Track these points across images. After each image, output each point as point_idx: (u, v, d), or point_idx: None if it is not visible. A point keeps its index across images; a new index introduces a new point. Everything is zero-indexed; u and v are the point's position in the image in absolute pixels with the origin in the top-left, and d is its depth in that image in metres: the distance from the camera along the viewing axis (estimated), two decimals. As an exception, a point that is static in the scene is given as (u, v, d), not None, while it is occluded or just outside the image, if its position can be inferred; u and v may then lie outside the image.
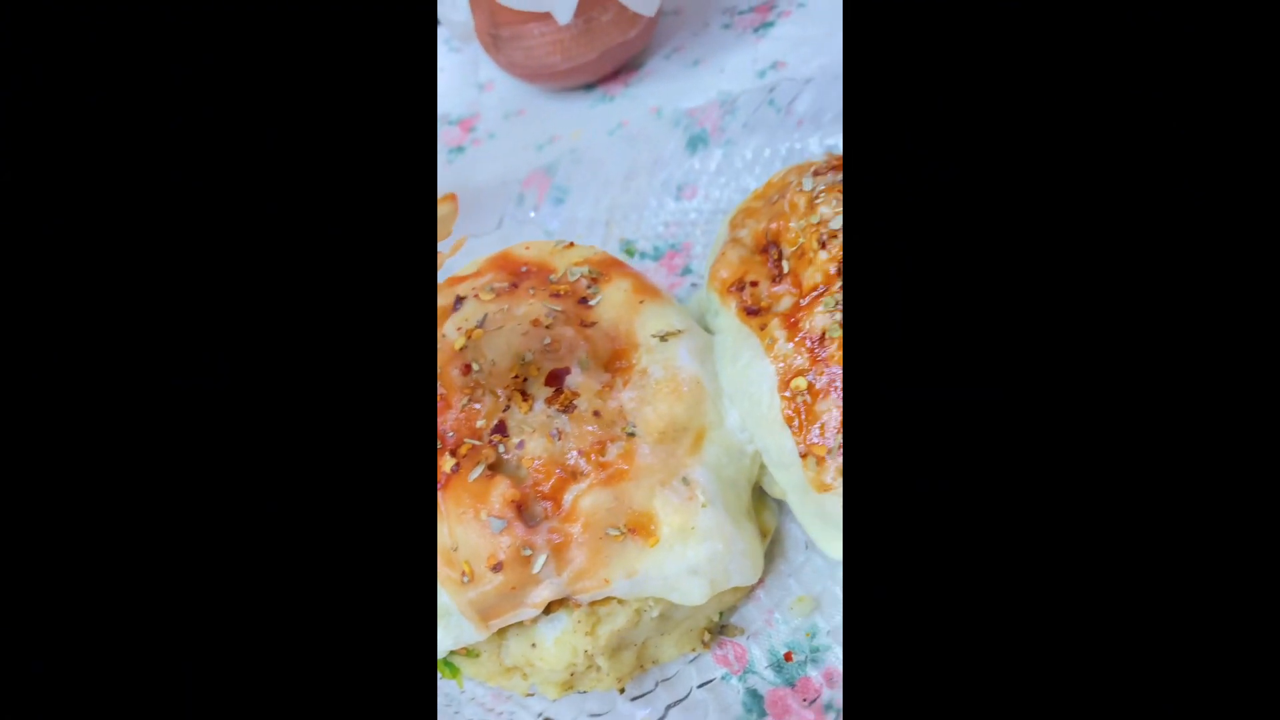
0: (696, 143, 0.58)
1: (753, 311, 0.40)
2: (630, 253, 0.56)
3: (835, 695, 0.37)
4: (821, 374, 0.36)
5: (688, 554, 0.35)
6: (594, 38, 0.64)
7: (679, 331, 0.41)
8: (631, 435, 0.37)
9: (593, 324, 0.41)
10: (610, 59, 0.66)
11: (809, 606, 0.39)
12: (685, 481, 0.37)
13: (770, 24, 0.68)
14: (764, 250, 0.42)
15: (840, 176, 0.41)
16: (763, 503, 0.41)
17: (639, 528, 0.36)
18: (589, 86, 0.69)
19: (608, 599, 0.36)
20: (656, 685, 0.39)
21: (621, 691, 0.38)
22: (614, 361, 0.40)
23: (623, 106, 0.67)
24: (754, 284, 0.41)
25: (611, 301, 0.42)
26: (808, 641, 0.39)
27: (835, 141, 0.53)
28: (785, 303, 0.39)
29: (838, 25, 0.63)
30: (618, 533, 0.36)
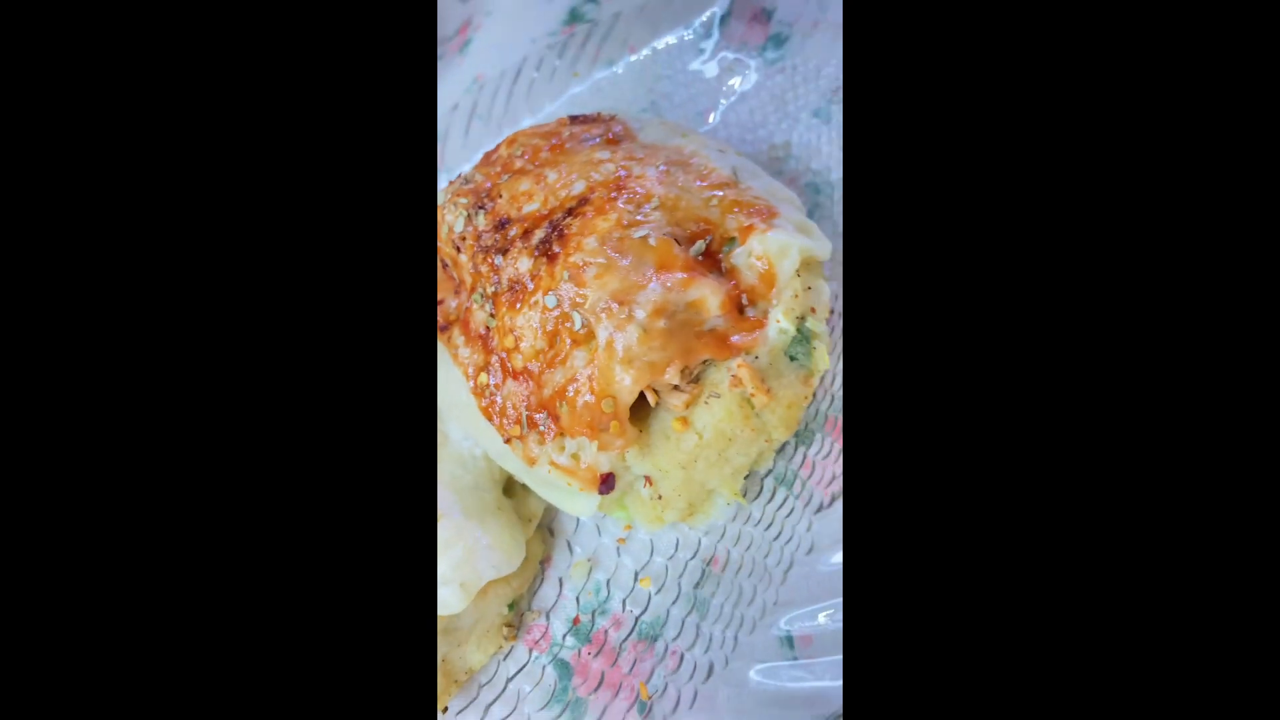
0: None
1: (443, 327, 0.43)
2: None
3: (620, 636, 0.39)
4: (492, 363, 0.39)
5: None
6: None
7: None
8: None
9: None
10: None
11: (585, 568, 0.42)
12: (419, 506, 0.40)
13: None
14: (442, 265, 0.45)
15: (467, 184, 0.44)
16: (526, 491, 0.44)
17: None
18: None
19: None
20: (479, 690, 0.41)
21: (445, 710, 0.40)
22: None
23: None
24: (440, 300, 0.44)
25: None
26: (595, 599, 0.41)
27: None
28: (455, 308, 0.42)
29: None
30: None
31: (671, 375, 0.35)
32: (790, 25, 0.51)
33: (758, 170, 0.42)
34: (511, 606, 0.42)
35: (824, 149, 0.47)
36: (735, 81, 0.52)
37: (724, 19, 0.53)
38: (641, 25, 0.55)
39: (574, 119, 0.45)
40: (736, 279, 0.37)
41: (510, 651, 0.42)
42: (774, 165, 0.49)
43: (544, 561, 0.43)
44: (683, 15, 0.54)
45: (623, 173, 0.39)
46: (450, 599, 0.38)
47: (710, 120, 0.52)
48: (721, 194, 0.39)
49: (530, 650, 0.41)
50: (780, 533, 0.37)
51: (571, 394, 0.36)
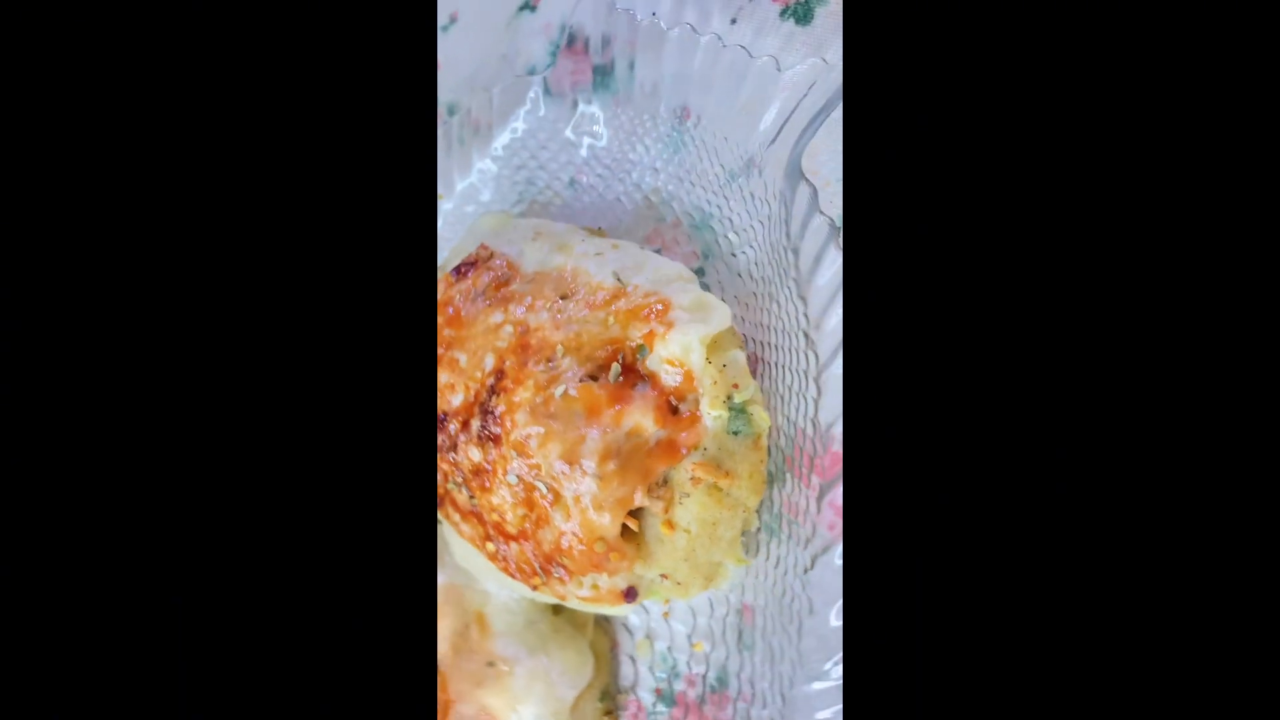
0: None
1: (440, 502, 0.47)
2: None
3: (697, 693, 0.45)
4: (490, 533, 0.43)
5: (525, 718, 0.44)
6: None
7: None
8: None
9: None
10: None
11: (648, 644, 0.47)
12: (490, 665, 0.45)
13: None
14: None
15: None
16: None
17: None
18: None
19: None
20: (608, 770, 0.48)
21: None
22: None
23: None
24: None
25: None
26: (665, 666, 0.47)
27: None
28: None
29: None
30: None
31: (640, 498, 0.39)
32: (606, 52, 0.50)
33: (639, 254, 0.43)
34: (604, 698, 0.48)
35: (686, 176, 0.48)
36: (594, 129, 0.52)
37: (546, 76, 0.52)
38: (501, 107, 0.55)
39: (457, 271, 0.46)
40: (658, 385, 0.40)
41: (616, 733, 0.48)
42: (653, 212, 0.50)
43: (613, 648, 0.49)
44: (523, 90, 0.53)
45: (522, 329, 0.41)
46: (549, 734, 0.44)
47: (584, 181, 0.52)
48: (614, 308, 0.41)
49: (633, 727, 0.48)
50: (784, 591, 0.41)
51: (566, 546, 0.40)
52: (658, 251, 0.46)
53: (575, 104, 0.52)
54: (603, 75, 0.51)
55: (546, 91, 0.53)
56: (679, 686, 0.46)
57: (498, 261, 0.45)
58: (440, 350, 0.43)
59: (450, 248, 0.55)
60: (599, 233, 0.49)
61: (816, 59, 0.42)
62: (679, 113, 0.48)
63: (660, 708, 0.47)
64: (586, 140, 0.52)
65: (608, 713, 0.48)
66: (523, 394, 0.40)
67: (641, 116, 0.50)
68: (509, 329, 0.41)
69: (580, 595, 0.42)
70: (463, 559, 0.47)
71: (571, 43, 0.52)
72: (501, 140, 0.54)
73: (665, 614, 0.47)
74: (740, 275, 0.44)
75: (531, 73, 0.55)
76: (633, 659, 0.48)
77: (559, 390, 0.39)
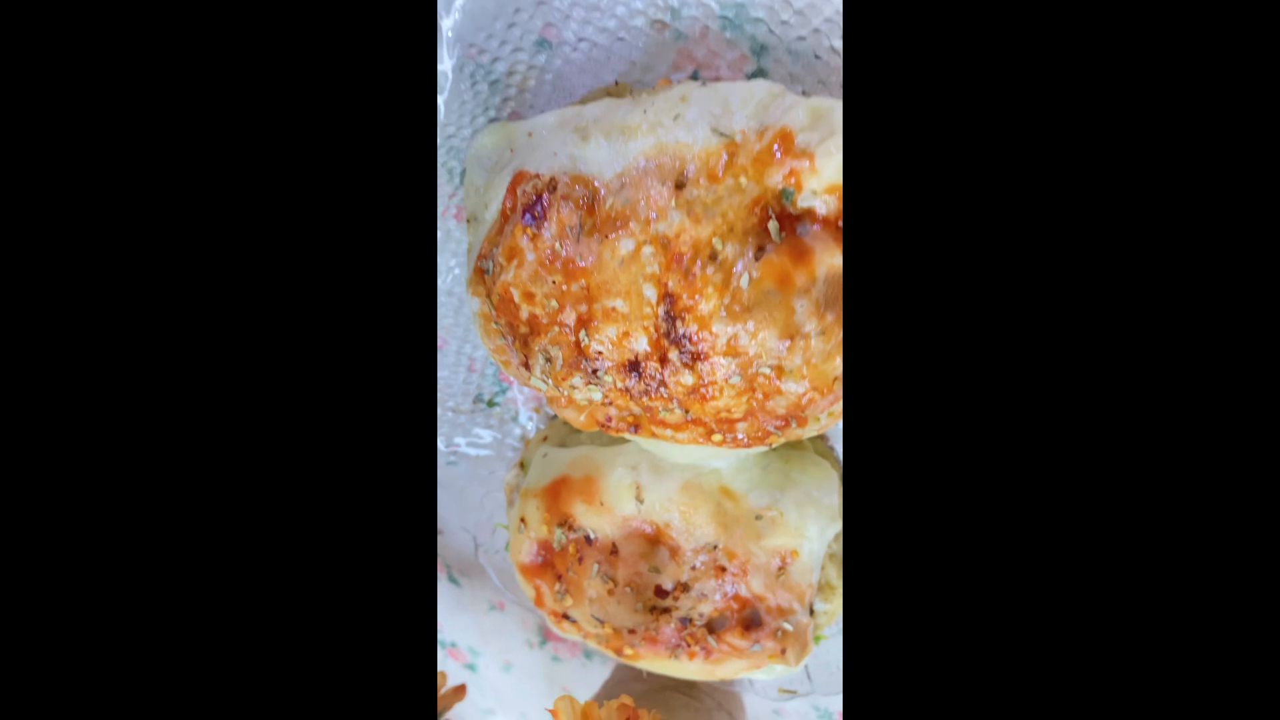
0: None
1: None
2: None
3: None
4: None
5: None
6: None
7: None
8: None
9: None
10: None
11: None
12: (759, 518, 0.48)
13: None
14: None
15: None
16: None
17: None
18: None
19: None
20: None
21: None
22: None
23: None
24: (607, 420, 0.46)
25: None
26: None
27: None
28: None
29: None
30: None
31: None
32: None
33: (708, 93, 0.38)
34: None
35: None
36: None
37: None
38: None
39: (528, 216, 0.40)
40: (818, 218, 0.37)
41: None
42: (666, 34, 0.42)
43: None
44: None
45: (663, 243, 0.37)
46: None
47: (563, 37, 0.43)
48: (738, 165, 0.36)
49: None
50: None
51: (805, 403, 0.41)
52: (705, 81, 0.40)
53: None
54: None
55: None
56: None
57: (563, 183, 0.39)
58: (580, 310, 0.39)
59: (459, 191, 0.47)
60: (621, 90, 0.42)
61: None
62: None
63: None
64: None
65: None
66: (706, 305, 0.37)
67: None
68: (649, 250, 0.37)
69: (818, 429, 0.44)
70: (683, 456, 0.47)
71: None
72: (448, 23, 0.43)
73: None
74: (819, 56, 0.39)
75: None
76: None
77: (742, 282, 0.37)
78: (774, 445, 0.45)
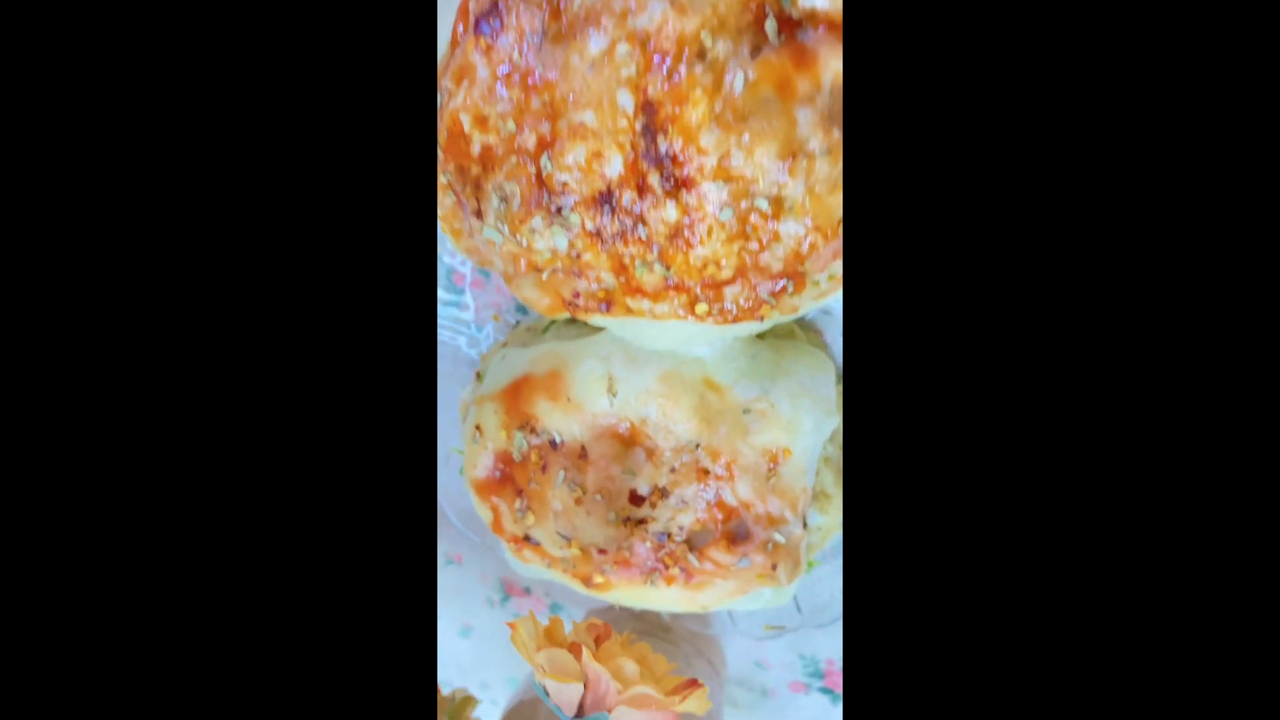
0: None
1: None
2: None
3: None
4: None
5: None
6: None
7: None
8: None
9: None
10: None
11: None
12: (747, 412, 0.42)
13: None
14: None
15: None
16: None
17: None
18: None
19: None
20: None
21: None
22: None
23: None
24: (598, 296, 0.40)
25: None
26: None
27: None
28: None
29: None
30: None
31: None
32: None
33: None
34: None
35: None
36: None
37: None
38: None
39: (481, 28, 0.34)
40: (821, 18, 0.32)
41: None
42: None
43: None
44: None
45: (642, 39, 0.31)
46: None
47: None
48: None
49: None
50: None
51: (806, 251, 0.35)
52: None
53: None
54: None
55: None
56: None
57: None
58: (542, 131, 0.33)
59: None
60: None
61: None
62: None
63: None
64: None
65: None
66: (694, 112, 0.31)
67: None
68: (624, 48, 0.32)
69: (816, 296, 0.38)
70: (663, 342, 0.41)
71: None
72: None
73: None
74: None
75: None
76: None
77: (736, 83, 0.31)
78: (766, 320, 0.39)
